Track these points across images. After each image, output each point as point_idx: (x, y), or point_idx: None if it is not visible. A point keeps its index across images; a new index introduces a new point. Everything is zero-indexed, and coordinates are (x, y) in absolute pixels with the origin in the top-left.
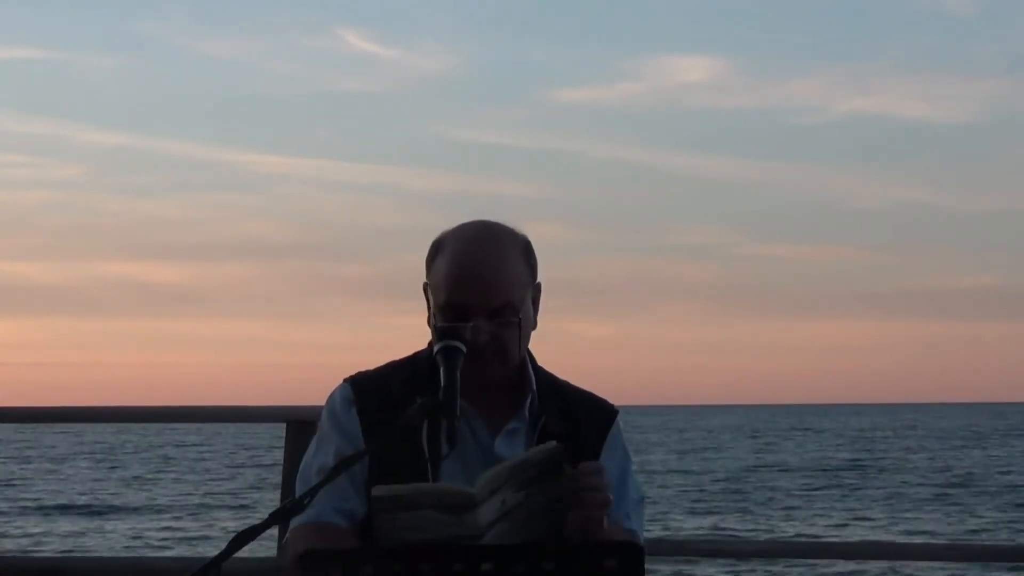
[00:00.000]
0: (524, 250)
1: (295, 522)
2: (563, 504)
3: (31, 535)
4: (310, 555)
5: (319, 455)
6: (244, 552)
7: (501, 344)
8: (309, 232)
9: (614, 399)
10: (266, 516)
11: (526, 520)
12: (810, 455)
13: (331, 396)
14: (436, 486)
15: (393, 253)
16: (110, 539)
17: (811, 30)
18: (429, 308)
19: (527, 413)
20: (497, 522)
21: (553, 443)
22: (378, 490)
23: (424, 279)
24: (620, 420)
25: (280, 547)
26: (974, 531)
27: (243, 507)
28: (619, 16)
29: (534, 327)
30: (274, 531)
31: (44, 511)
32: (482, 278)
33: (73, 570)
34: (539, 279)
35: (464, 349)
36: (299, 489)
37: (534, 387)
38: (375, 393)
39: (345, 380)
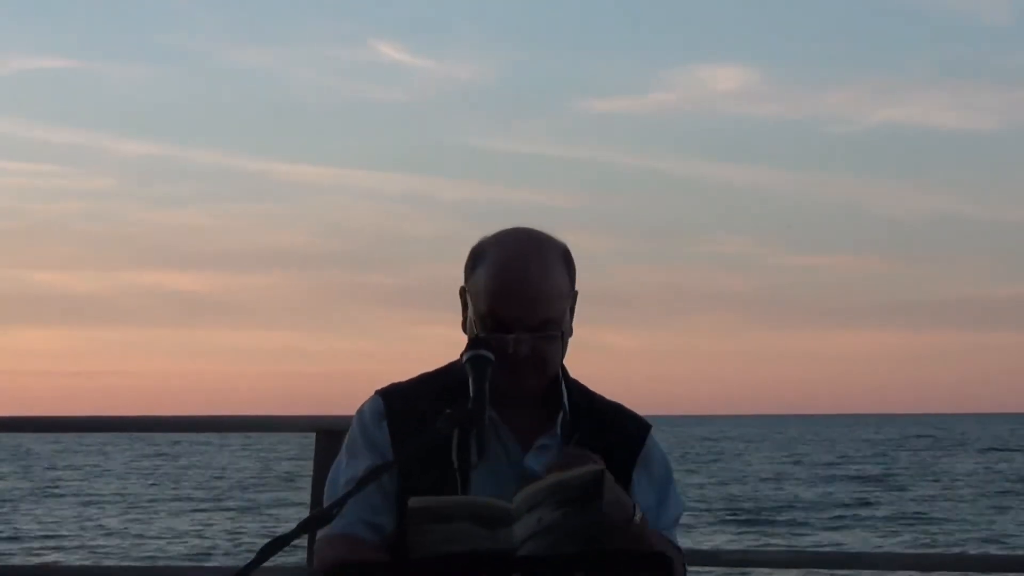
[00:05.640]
0: (564, 258)
1: (323, 532)
2: (599, 527)
3: (60, 543)
4: (339, 568)
5: (350, 469)
6: (273, 561)
7: (541, 356)
8: (339, 242)
9: (644, 409)
10: (295, 525)
11: (561, 539)
12: (843, 465)
13: (361, 409)
14: (473, 499)
15: (423, 263)
16: (140, 548)
17: (843, 40)
18: (465, 314)
19: (559, 430)
20: (531, 539)
21: (595, 467)
22: (414, 501)
23: (461, 284)
24: (654, 435)
25: (309, 555)
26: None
27: (271, 516)
28: (651, 26)
29: (570, 335)
30: (303, 539)
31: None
32: (527, 291)
33: None
34: (576, 287)
35: (493, 358)
36: (327, 501)
37: (566, 403)
38: (407, 406)
39: (376, 393)
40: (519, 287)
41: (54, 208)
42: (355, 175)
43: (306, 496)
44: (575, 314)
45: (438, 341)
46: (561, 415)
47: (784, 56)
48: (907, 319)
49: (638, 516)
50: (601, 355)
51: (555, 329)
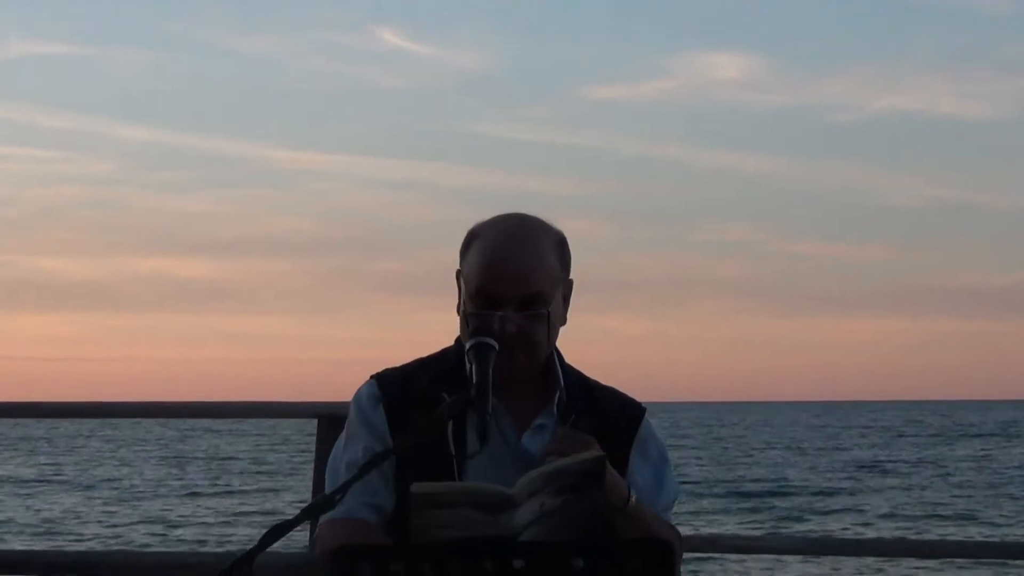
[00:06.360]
0: (558, 244)
1: (325, 517)
2: (600, 514)
3: (61, 529)
4: (342, 551)
5: (348, 451)
6: (276, 546)
7: (528, 335)
8: (342, 228)
9: (645, 395)
10: (298, 511)
11: (561, 525)
12: (844, 451)
13: (358, 393)
14: (474, 485)
15: (426, 249)
16: (141, 533)
17: (844, 27)
18: (460, 296)
19: (555, 409)
20: (533, 524)
21: (596, 453)
22: (416, 487)
23: (457, 267)
24: (649, 418)
25: (311, 541)
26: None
27: (273, 501)
28: (652, 13)
29: (563, 323)
30: (305, 525)
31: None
32: (514, 268)
33: (105, 564)
34: (571, 276)
35: (496, 346)
36: (328, 485)
37: (562, 383)
38: (402, 390)
39: (372, 377)
40: (507, 264)
41: (55, 194)
42: (357, 161)
43: (308, 481)
44: (570, 304)
45: (441, 327)
46: (558, 394)
47: (785, 43)
48: (908, 307)
49: (633, 498)
50: (603, 341)
51: (541, 307)
